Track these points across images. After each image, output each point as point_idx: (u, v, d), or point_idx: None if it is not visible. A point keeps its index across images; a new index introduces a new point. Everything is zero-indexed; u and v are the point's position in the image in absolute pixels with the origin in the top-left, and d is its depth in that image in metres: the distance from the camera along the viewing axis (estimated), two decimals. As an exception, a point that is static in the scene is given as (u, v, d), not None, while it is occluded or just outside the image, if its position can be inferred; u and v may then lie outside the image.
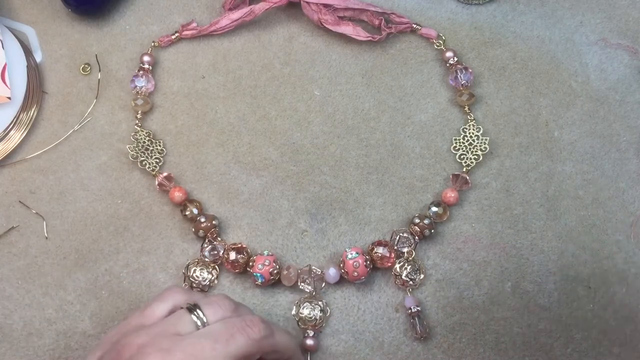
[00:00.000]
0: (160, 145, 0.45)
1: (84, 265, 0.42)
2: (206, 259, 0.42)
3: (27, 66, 0.46)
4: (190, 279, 0.42)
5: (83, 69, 0.47)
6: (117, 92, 0.47)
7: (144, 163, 0.44)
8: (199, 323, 0.32)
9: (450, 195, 0.43)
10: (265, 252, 0.42)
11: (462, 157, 0.45)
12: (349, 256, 0.41)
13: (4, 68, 0.45)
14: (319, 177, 0.45)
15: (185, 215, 0.43)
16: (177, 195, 0.43)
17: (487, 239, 0.43)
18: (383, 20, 0.47)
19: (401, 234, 0.42)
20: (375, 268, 0.42)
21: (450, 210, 0.43)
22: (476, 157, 0.44)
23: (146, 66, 0.47)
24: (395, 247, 0.42)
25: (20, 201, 0.44)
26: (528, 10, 0.49)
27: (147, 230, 0.43)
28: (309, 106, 0.47)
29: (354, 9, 0.48)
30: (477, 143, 0.45)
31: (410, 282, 0.41)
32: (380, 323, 0.41)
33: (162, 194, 0.44)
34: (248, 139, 0.46)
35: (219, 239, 0.43)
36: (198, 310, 0.33)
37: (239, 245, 0.42)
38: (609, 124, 0.46)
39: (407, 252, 0.42)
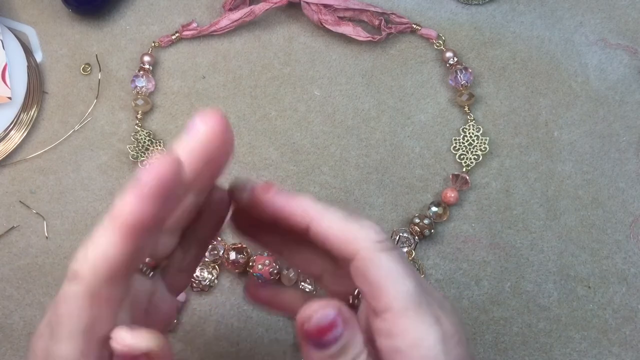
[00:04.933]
0: (160, 146, 0.45)
1: (84, 265, 0.42)
2: (206, 259, 0.42)
3: (28, 66, 0.46)
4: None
5: (83, 69, 0.47)
6: (118, 92, 0.47)
7: (144, 163, 0.44)
8: None
9: (450, 195, 0.43)
10: (265, 253, 0.42)
11: (462, 157, 0.45)
12: (349, 256, 0.41)
13: (5, 68, 0.45)
14: (319, 177, 0.45)
15: (186, 215, 0.43)
16: (178, 195, 0.43)
17: (487, 239, 0.43)
18: (383, 21, 0.47)
19: (401, 234, 0.42)
20: (375, 268, 0.42)
21: (450, 210, 0.44)
22: (476, 157, 0.45)
23: (146, 66, 0.47)
24: (395, 247, 0.42)
25: (20, 201, 0.44)
26: (528, 10, 0.49)
27: (148, 230, 0.43)
28: (309, 106, 0.47)
29: (354, 9, 0.48)
30: (477, 143, 0.45)
31: (410, 282, 0.41)
32: (380, 323, 0.41)
33: (163, 194, 0.44)
34: (248, 139, 0.46)
35: (219, 239, 0.43)
36: None
37: (239, 245, 0.42)
38: (609, 124, 0.46)
39: (407, 252, 0.42)
